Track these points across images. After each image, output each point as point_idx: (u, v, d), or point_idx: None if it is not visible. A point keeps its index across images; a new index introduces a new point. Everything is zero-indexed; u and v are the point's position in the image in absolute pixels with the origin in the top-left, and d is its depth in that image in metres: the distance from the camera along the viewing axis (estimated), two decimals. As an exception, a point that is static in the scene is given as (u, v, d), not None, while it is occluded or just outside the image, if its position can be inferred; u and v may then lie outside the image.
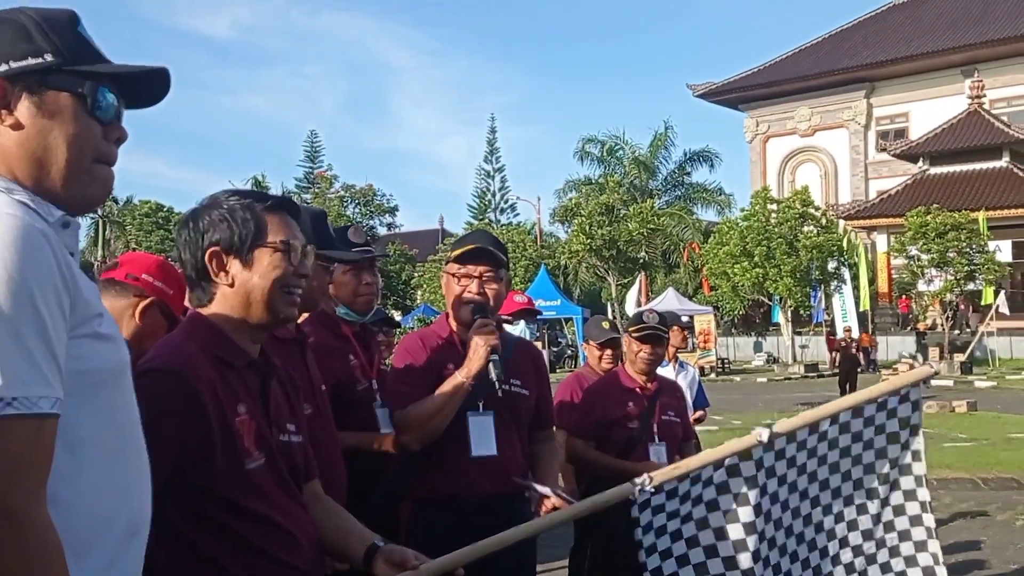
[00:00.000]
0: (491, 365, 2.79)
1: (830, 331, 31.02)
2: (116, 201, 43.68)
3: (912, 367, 2.67)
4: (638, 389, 4.02)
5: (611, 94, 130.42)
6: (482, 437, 2.88)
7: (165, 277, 2.43)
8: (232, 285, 1.92)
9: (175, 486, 1.74)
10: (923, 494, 2.63)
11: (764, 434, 2.47)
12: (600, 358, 4.67)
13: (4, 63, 1.33)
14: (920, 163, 38.15)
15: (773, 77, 44.60)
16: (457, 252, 2.98)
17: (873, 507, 2.63)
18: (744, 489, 2.49)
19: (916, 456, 2.61)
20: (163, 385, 1.74)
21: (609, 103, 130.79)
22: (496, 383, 2.81)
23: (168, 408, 1.73)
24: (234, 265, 1.92)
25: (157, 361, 1.77)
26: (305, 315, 2.79)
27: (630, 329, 4.07)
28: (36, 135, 1.32)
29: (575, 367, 30.52)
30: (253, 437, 1.85)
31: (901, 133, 41.95)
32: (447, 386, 2.81)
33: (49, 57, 1.34)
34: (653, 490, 2.50)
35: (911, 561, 2.64)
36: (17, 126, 1.32)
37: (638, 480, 2.47)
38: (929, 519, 2.64)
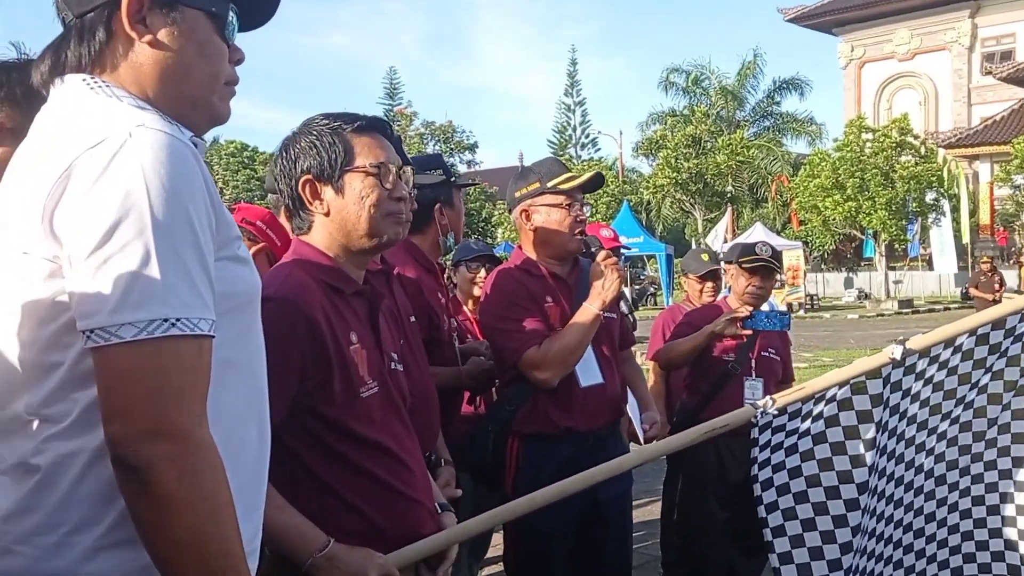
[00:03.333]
0: (621, 299, 2.81)
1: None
2: (203, 140, 44.63)
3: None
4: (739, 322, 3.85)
5: (696, 22, 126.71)
6: (586, 367, 2.85)
7: (276, 228, 2.54)
8: (328, 213, 1.90)
9: (295, 414, 1.77)
10: None
11: (897, 351, 2.28)
12: (701, 291, 4.61)
13: None
14: (1029, 86, 35.92)
15: (870, -2, 42.40)
16: (563, 181, 2.85)
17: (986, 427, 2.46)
18: (868, 406, 2.32)
19: None
20: (282, 313, 1.74)
21: (694, 32, 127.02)
22: (630, 314, 2.76)
23: (290, 335, 1.74)
24: (327, 192, 1.90)
25: (271, 289, 1.73)
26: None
27: (740, 260, 3.94)
28: (173, 55, 1.30)
29: (656, 304, 30.29)
30: (366, 365, 1.86)
31: (1008, 55, 39.46)
32: (583, 319, 2.77)
33: None
34: (776, 412, 2.37)
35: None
36: (154, 44, 1.29)
37: (760, 403, 2.37)
38: None
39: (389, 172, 1.91)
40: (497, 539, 4.06)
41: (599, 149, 53.19)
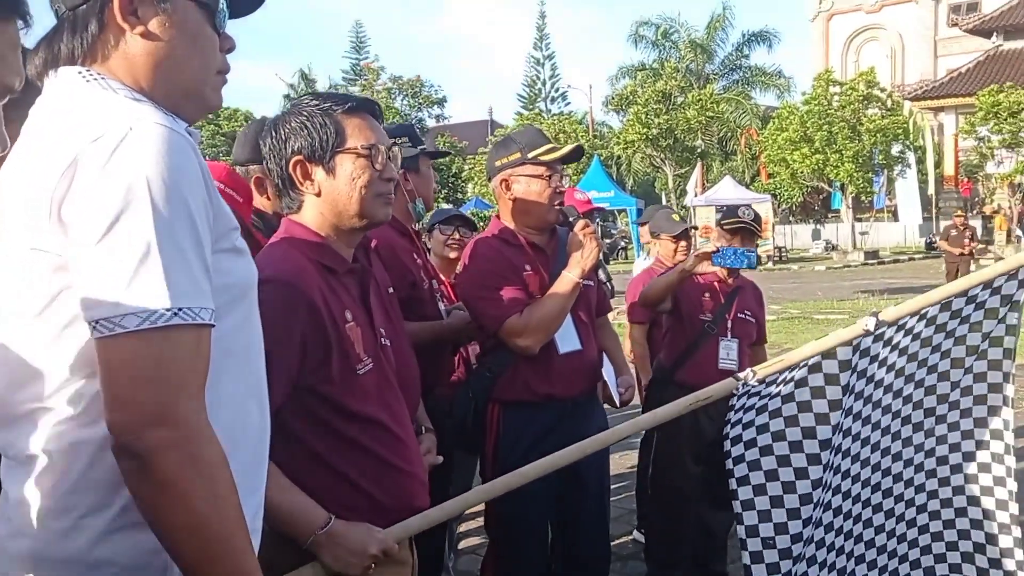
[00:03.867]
0: (599, 267, 2.85)
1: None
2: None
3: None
4: (717, 283, 3.99)
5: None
6: (565, 333, 2.88)
7: (235, 185, 2.45)
8: (319, 194, 1.92)
9: (296, 394, 1.79)
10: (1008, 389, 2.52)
11: (870, 323, 2.36)
12: (675, 250, 4.65)
13: None
14: (993, 38, 36.23)
15: (838, -51, 42.25)
16: (544, 152, 2.87)
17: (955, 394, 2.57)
18: (836, 370, 2.43)
19: (1011, 331, 2.49)
20: (283, 295, 1.76)
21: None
22: (608, 283, 2.83)
23: (291, 317, 1.77)
24: (318, 173, 1.91)
25: (270, 271, 1.72)
26: None
27: (722, 222, 4.04)
28: (165, 45, 1.31)
29: (627, 258, 30.39)
30: (361, 343, 1.89)
31: (974, 7, 39.67)
32: (562, 288, 2.81)
33: None
34: (756, 384, 2.45)
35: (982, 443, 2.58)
36: (146, 35, 1.30)
37: (741, 375, 2.44)
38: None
39: (379, 153, 1.93)
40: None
41: (569, 103, 52.80)
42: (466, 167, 38.10)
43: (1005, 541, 2.56)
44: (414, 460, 2.01)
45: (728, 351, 3.88)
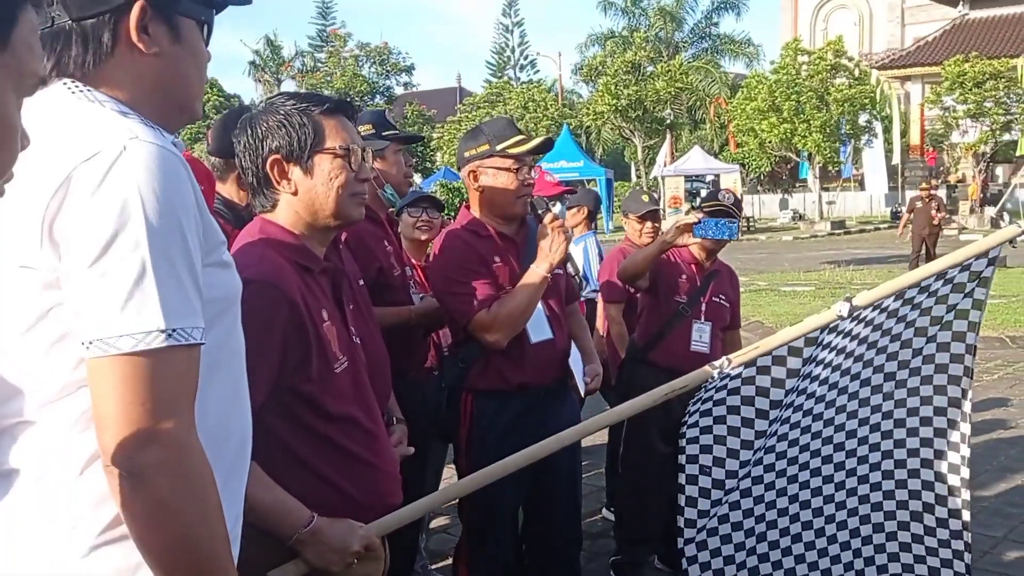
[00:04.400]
0: (568, 260, 2.84)
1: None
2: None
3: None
4: (694, 265, 4.00)
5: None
6: (536, 323, 2.89)
7: (196, 173, 2.33)
8: (295, 193, 1.93)
9: (276, 395, 1.80)
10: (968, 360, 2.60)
11: (844, 308, 2.39)
12: (640, 231, 4.64)
13: None
14: (960, 6, 36.51)
15: (807, -84, 42.14)
16: (513, 144, 2.87)
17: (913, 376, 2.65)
18: (800, 357, 2.51)
19: (977, 305, 2.55)
20: (264, 296, 1.77)
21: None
22: (576, 275, 2.86)
23: (272, 318, 1.78)
24: (295, 172, 1.93)
25: (250, 272, 1.71)
26: None
27: (703, 205, 4.04)
28: (174, 64, 1.33)
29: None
30: (337, 341, 1.91)
31: (942, -26, 39.81)
32: (532, 279, 2.81)
33: None
34: (732, 373, 2.48)
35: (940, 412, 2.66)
36: (157, 53, 1.32)
37: (717, 363, 2.45)
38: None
39: (355, 154, 1.95)
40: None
41: (538, 71, 52.67)
42: (435, 136, 37.83)
43: (954, 502, 2.64)
44: (387, 456, 2.04)
45: (701, 334, 3.90)
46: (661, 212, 4.71)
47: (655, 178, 27.44)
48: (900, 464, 2.69)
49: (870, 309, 2.49)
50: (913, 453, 2.68)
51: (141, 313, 1.14)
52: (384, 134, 3.08)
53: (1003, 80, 27.72)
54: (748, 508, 2.72)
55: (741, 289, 4.43)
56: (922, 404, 2.65)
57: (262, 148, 1.93)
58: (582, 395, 2.97)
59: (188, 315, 1.18)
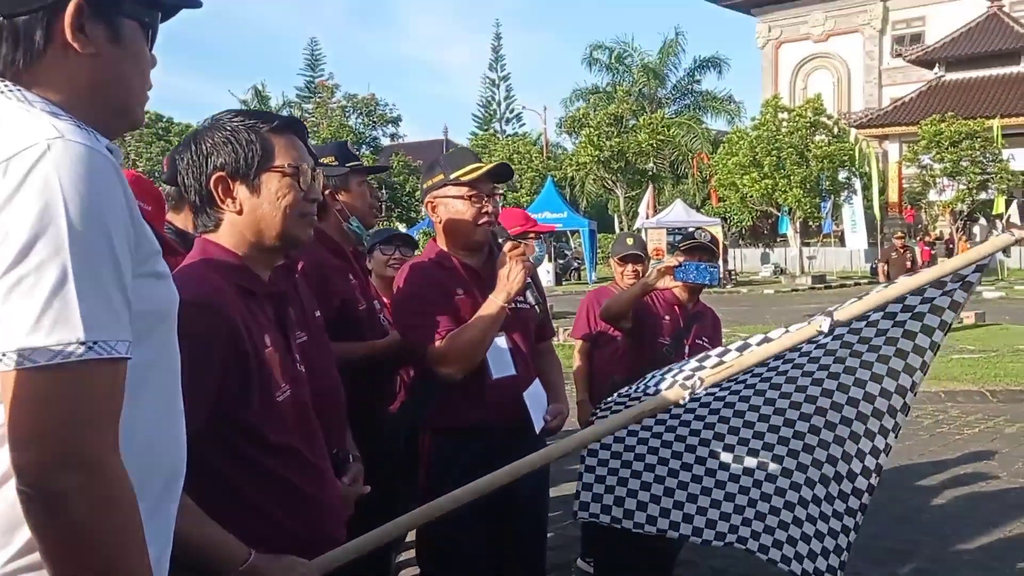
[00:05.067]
0: (527, 289, 2.74)
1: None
2: (114, 112, 43.14)
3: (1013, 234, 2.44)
4: (677, 307, 3.96)
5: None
6: (499, 358, 2.80)
7: (142, 192, 2.36)
8: (240, 212, 1.85)
9: (212, 424, 1.70)
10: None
11: (825, 324, 2.28)
12: (622, 273, 4.65)
13: None
14: (936, 69, 37.28)
15: (787, -21, 43.15)
16: (465, 172, 2.81)
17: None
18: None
19: (942, 326, 2.44)
20: (202, 318, 1.67)
21: (618, 9, 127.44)
22: (536, 306, 2.79)
23: (210, 342, 1.69)
24: (241, 191, 1.84)
25: (188, 293, 1.63)
26: None
27: (680, 245, 4.03)
28: (109, 65, 1.26)
29: (580, 279, 30.52)
30: (279, 368, 1.83)
31: (917, 38, 40.80)
32: (489, 311, 2.71)
33: None
34: (704, 393, 2.39)
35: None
36: (93, 54, 1.25)
37: (688, 384, 2.35)
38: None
39: (305, 173, 1.87)
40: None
41: (523, 124, 53.27)
42: (421, 186, 37.92)
43: (861, 483, 2.61)
44: (331, 490, 1.96)
45: None
46: (645, 257, 4.69)
47: (637, 229, 27.60)
48: (829, 428, 2.64)
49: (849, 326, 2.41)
50: (845, 423, 2.62)
51: (60, 324, 1.06)
52: (348, 164, 3.00)
53: (979, 140, 28.22)
54: (650, 451, 2.73)
55: (724, 341, 4.38)
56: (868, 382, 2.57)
57: (206, 165, 1.84)
58: (536, 431, 2.82)
59: (112, 327, 1.10)
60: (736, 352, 2.44)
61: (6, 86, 1.21)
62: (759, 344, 2.42)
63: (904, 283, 2.37)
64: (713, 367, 2.43)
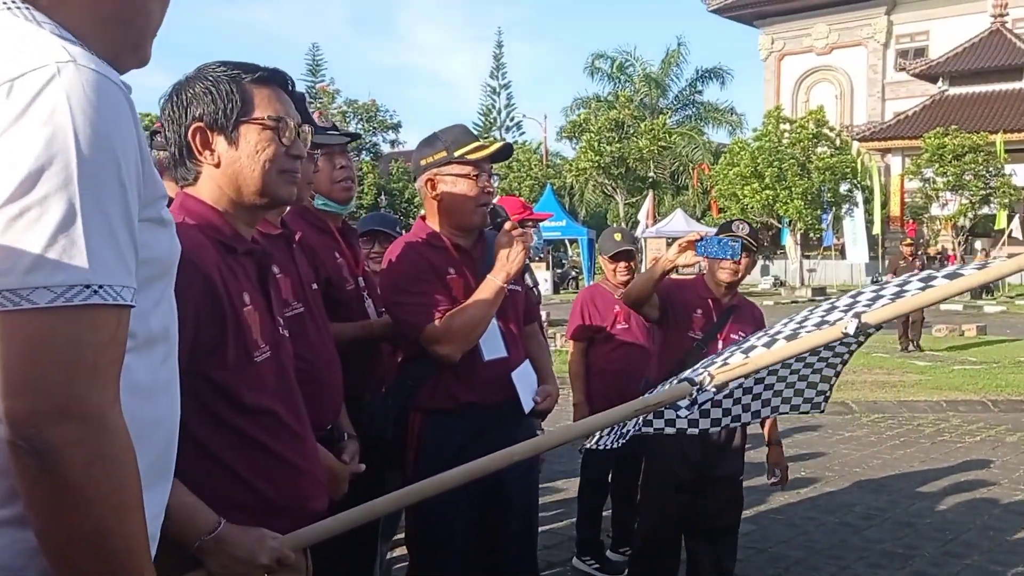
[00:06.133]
0: (526, 271, 2.69)
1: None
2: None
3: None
4: (711, 300, 3.79)
5: (623, 10, 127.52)
6: (490, 340, 2.76)
7: None
8: (218, 165, 1.80)
9: (185, 380, 1.59)
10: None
11: (851, 325, 2.13)
12: (614, 271, 4.54)
13: None
14: (939, 83, 37.29)
15: (791, -9, 43.22)
16: (471, 151, 2.73)
17: None
18: None
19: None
20: (177, 272, 1.55)
21: (620, 19, 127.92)
22: (534, 288, 2.68)
23: (184, 295, 1.57)
24: (219, 142, 1.79)
25: None
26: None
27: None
28: None
29: (577, 288, 30.43)
30: (259, 328, 1.78)
31: (921, 52, 40.81)
32: (486, 293, 2.67)
33: None
34: (714, 390, 2.27)
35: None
36: None
37: (697, 379, 2.22)
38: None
39: (287, 128, 1.80)
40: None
41: (523, 132, 53.13)
42: (414, 162, 37.89)
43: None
44: (311, 457, 1.88)
45: None
46: (636, 250, 4.56)
47: (637, 239, 27.53)
48: None
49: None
50: None
51: (64, 263, 0.97)
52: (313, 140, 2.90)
53: (982, 154, 28.16)
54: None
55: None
56: None
57: (185, 116, 1.78)
58: (525, 412, 2.76)
59: (119, 272, 1.02)
60: (761, 348, 2.30)
61: (15, 3, 1.10)
62: (772, 343, 2.28)
63: (944, 287, 2.17)
64: (721, 365, 2.30)
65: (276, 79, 1.84)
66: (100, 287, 0.99)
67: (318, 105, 41.19)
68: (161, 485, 1.27)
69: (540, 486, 3.19)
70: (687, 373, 2.37)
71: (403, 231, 3.53)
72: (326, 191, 2.85)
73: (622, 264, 4.54)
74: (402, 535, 3.91)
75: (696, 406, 2.48)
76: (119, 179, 1.03)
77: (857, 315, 2.17)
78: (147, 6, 1.19)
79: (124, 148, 1.04)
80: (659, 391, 2.35)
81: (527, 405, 2.77)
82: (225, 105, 1.76)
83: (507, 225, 2.73)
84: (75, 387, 0.99)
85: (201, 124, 1.77)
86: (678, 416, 2.49)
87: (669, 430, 2.53)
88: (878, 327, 2.23)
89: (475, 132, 3.02)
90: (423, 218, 2.90)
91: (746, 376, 2.30)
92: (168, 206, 2.78)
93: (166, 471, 1.29)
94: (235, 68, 1.80)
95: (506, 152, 2.84)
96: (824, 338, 2.20)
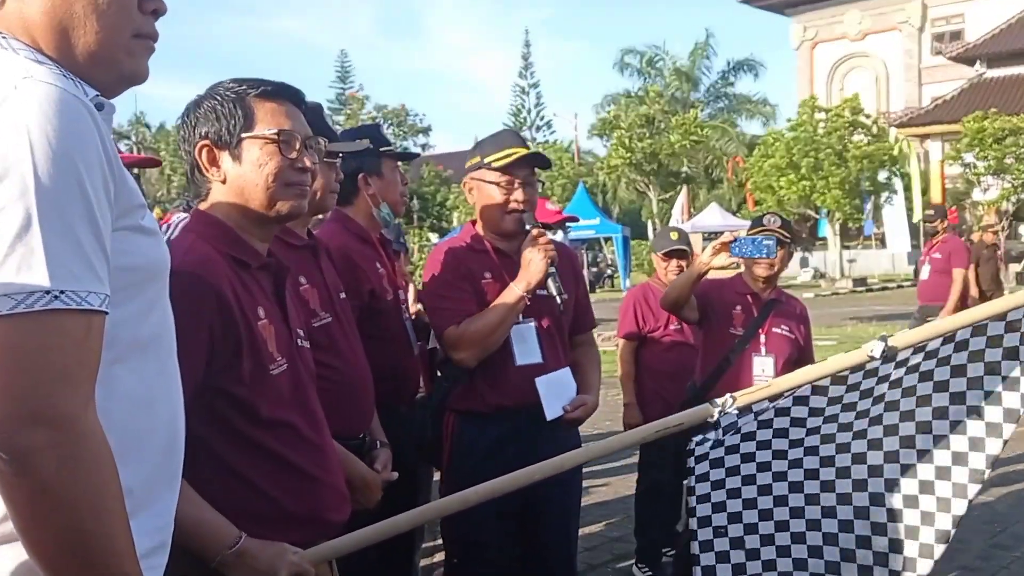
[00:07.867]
0: (550, 279, 2.71)
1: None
2: (148, 128, 43.95)
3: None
4: (749, 296, 3.75)
5: (651, 4, 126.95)
6: (526, 345, 2.81)
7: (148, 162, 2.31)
8: (225, 181, 1.86)
9: (202, 396, 1.69)
10: (993, 445, 2.20)
11: (877, 349, 2.06)
12: (666, 269, 4.57)
13: None
14: (977, 66, 36.58)
15: (821, -22, 42.68)
16: (499, 158, 2.75)
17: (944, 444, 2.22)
18: (822, 404, 2.16)
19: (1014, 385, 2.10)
20: (189, 288, 1.67)
21: (649, 13, 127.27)
22: (557, 296, 2.68)
23: (197, 311, 1.68)
24: (225, 159, 1.85)
25: (175, 263, 1.61)
26: (319, 217, 2.77)
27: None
28: (62, 3, 1.18)
29: (613, 287, 30.23)
30: (275, 341, 1.83)
31: (957, 35, 40.09)
32: (506, 299, 2.71)
33: None
34: (737, 412, 2.18)
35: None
36: None
37: (719, 400, 2.17)
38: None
39: (293, 140, 1.84)
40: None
41: (554, 131, 52.93)
42: (451, 195, 38.00)
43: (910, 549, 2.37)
44: (330, 468, 1.91)
45: (763, 368, 3.62)
46: (690, 252, 4.62)
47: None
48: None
49: (910, 351, 2.11)
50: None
51: (23, 270, 1.01)
52: (381, 150, 2.95)
53: (1023, 136, 27.54)
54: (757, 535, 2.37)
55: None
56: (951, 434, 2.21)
57: (193, 135, 1.86)
58: (547, 419, 2.71)
59: (83, 277, 1.04)
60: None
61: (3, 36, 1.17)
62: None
63: (982, 309, 2.08)
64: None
65: (284, 93, 1.88)
66: (61, 292, 1.02)
67: (348, 111, 41.53)
68: (166, 494, 1.28)
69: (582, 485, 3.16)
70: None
71: (403, 240, 3.55)
72: (393, 201, 2.95)
73: (674, 262, 4.55)
74: (430, 542, 3.86)
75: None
76: (80, 187, 1.05)
77: (883, 338, 2.08)
78: (78, 17, 1.18)
79: (85, 157, 1.07)
80: (680, 414, 2.29)
81: (551, 413, 2.72)
82: (228, 122, 1.82)
83: (534, 232, 2.73)
84: (43, 392, 1.01)
85: (207, 142, 1.84)
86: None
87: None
88: None
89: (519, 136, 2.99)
90: (473, 222, 2.96)
91: (770, 399, 2.20)
92: None
93: (171, 480, 1.30)
94: (242, 84, 1.87)
95: (540, 159, 2.84)
96: (848, 361, 2.13)
